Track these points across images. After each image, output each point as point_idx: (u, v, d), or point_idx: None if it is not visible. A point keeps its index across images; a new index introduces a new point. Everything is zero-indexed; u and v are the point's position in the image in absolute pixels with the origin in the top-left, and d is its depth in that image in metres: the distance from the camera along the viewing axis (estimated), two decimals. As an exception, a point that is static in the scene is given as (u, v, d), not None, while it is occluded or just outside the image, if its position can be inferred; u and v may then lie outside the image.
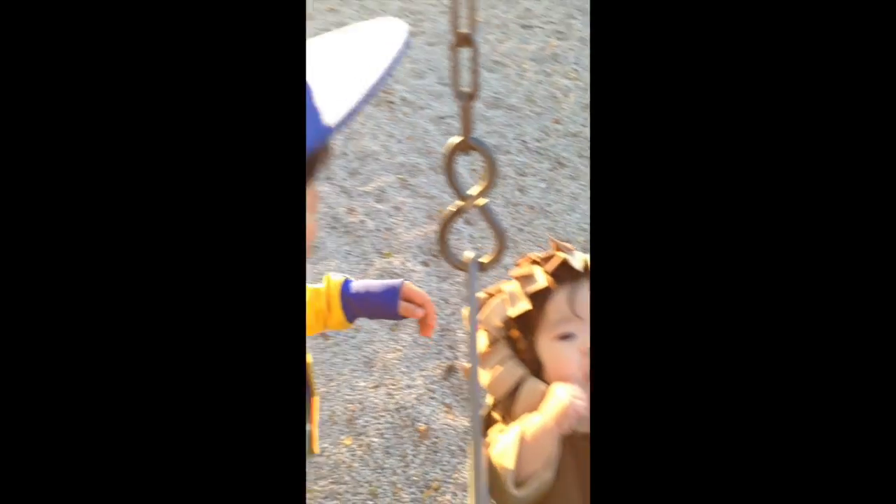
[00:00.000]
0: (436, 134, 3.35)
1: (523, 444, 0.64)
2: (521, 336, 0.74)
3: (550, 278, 0.74)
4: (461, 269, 0.66)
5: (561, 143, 3.27)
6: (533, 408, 0.68)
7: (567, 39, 4.33)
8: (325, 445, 1.81)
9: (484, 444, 0.65)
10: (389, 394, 1.98)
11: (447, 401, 1.96)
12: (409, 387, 2.00)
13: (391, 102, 3.68)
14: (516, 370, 0.72)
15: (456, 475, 1.75)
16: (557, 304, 0.72)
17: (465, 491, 1.72)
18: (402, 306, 0.85)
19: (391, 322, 2.23)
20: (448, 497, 1.70)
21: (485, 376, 0.74)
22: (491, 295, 0.79)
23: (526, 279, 0.76)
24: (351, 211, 2.81)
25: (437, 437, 1.84)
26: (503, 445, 0.67)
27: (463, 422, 1.88)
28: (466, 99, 0.62)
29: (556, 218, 2.76)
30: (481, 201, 0.62)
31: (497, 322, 0.74)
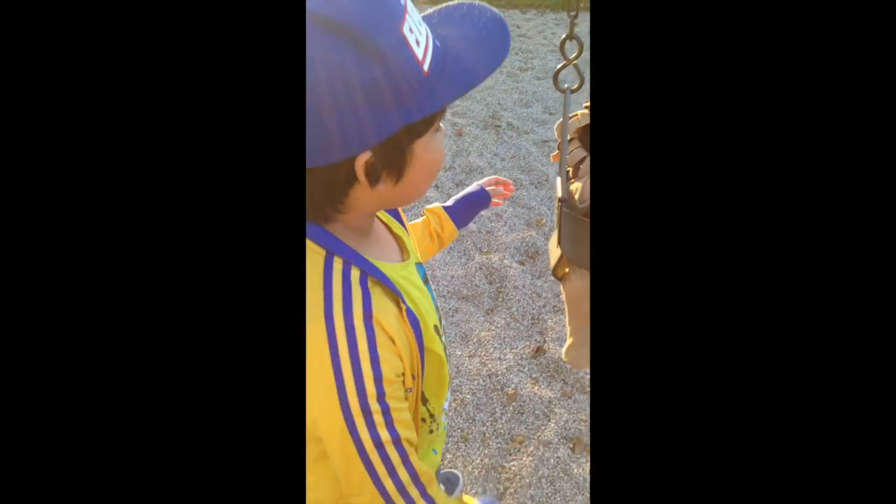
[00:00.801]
0: (537, 155, 3.60)
1: (584, 187, 1.19)
2: (586, 136, 1.28)
3: None
4: (562, 93, 1.16)
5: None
6: (586, 172, 1.23)
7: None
8: (423, 399, 2.03)
9: (565, 184, 1.23)
10: (483, 363, 2.18)
11: (534, 375, 2.14)
12: (500, 359, 2.20)
13: (498, 126, 3.99)
14: (581, 153, 1.27)
15: (539, 433, 1.91)
16: None
17: (547, 446, 1.88)
18: (491, 191, 1.17)
19: (487, 305, 2.45)
20: (531, 449, 1.86)
21: (565, 156, 1.30)
22: (575, 115, 1.31)
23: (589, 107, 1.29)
24: (457, 213, 3.08)
25: (523, 402, 2.01)
26: (577, 184, 1.23)
27: (548, 392, 2.05)
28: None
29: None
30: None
31: (574, 129, 1.29)
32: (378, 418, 0.62)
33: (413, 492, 0.66)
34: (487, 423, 1.95)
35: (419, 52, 0.56)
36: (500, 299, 2.52)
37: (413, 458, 0.66)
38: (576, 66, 1.14)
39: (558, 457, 1.84)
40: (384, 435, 0.62)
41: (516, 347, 2.26)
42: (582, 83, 1.11)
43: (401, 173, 0.63)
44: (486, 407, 2.01)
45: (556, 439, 1.90)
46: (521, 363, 2.19)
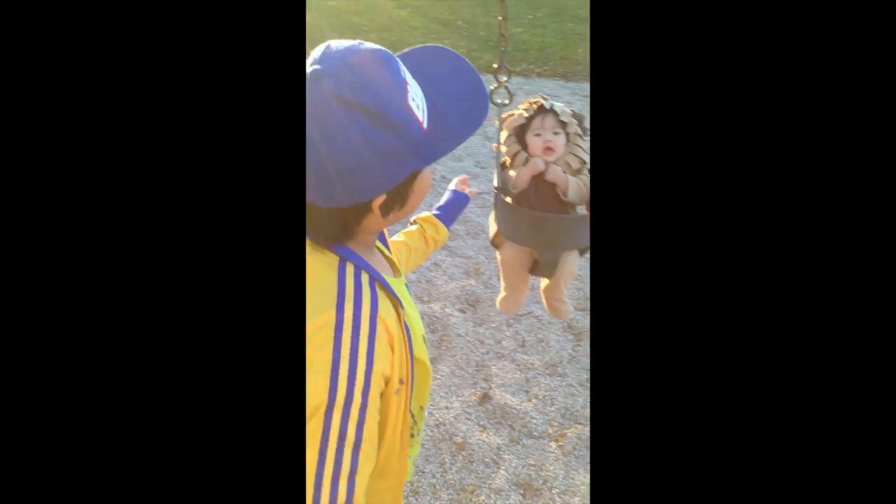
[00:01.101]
0: (472, 206, 3.68)
1: (518, 175, 1.38)
2: (521, 133, 1.46)
3: (535, 108, 1.47)
4: (495, 105, 1.31)
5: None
6: (519, 163, 1.42)
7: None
8: (369, 453, 1.96)
9: (501, 173, 1.42)
10: (430, 413, 2.15)
11: (482, 423, 2.11)
12: (447, 408, 2.17)
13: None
14: (516, 146, 1.45)
15: (489, 481, 1.88)
16: (536, 122, 1.45)
17: (499, 494, 1.84)
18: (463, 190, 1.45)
19: (431, 354, 2.44)
20: (482, 498, 1.82)
21: (503, 148, 1.48)
22: (511, 115, 1.49)
23: (527, 109, 1.48)
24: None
25: (472, 450, 1.98)
26: (511, 172, 1.42)
27: (496, 439, 2.03)
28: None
29: (587, 280, 3.00)
30: None
31: (512, 125, 1.47)
32: (354, 413, 0.66)
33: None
34: (437, 475, 1.90)
35: (420, 115, 0.71)
36: (444, 348, 2.51)
37: (360, 477, 0.67)
38: (506, 88, 1.35)
39: (510, 504, 1.82)
40: (351, 433, 0.66)
41: (462, 395, 2.24)
42: (512, 98, 1.37)
43: (405, 202, 0.78)
44: (434, 458, 1.96)
45: (507, 486, 1.87)
46: (468, 411, 2.17)
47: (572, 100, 5.50)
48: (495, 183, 1.41)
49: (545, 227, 1.34)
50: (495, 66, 1.35)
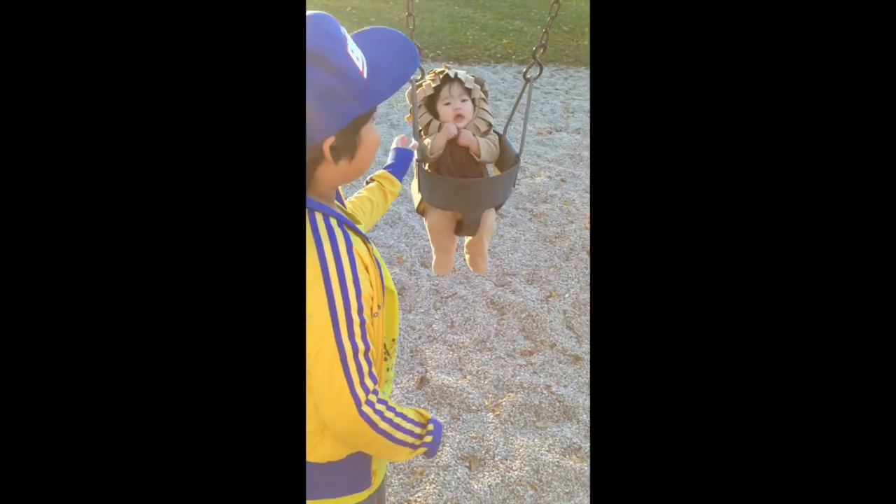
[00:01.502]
0: (387, 195, 3.72)
1: (434, 140, 1.49)
2: (431, 103, 1.58)
3: (440, 79, 1.57)
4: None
5: (498, 199, 3.71)
6: (433, 129, 1.55)
7: (496, 118, 4.90)
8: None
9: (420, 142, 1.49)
10: (370, 403, 2.20)
11: (423, 405, 2.20)
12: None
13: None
14: (428, 116, 1.57)
15: (436, 460, 1.97)
16: (444, 91, 1.56)
17: (447, 470, 1.94)
18: (408, 145, 1.58)
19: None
20: (432, 477, 1.91)
21: (417, 119, 1.56)
22: (419, 85, 1.58)
23: (434, 79, 1.57)
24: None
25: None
26: (426, 140, 1.53)
27: (438, 418, 2.12)
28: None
29: (501, 257, 3.13)
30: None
31: (421, 97, 1.57)
32: (356, 329, 0.83)
33: (373, 398, 0.87)
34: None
35: (359, 65, 0.83)
36: (376, 338, 2.56)
37: (375, 369, 0.89)
38: (420, 68, 1.43)
39: (458, 478, 1.92)
40: (360, 344, 0.83)
41: (400, 382, 2.31)
42: (423, 74, 1.50)
43: (354, 152, 0.89)
44: (382, 445, 2.02)
45: (454, 461, 1.97)
46: (408, 396, 2.24)
47: (470, 82, 5.63)
48: (416, 157, 1.52)
49: (467, 191, 1.45)
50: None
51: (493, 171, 1.60)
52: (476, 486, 1.89)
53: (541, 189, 3.80)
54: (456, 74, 1.58)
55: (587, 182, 3.86)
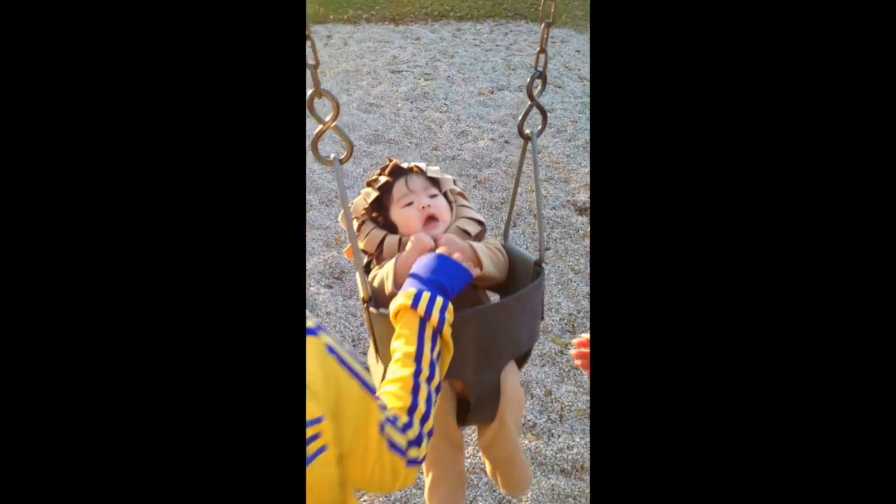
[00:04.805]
0: (321, 172, 3.51)
1: (397, 264, 1.01)
2: (378, 214, 1.13)
3: (388, 176, 1.13)
4: (328, 165, 0.94)
5: (442, 166, 3.53)
6: (393, 251, 1.06)
7: (435, 79, 4.70)
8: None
9: (367, 281, 1.02)
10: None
11: (366, 399, 2.06)
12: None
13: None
14: (380, 233, 1.10)
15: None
16: (399, 187, 1.10)
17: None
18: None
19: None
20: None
21: (362, 244, 1.11)
22: (363, 195, 1.17)
23: (375, 181, 1.15)
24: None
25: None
26: (383, 271, 1.03)
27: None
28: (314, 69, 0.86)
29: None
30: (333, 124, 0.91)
31: (361, 210, 1.13)
32: (433, 383, 0.83)
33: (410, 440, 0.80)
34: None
35: None
36: (315, 329, 2.40)
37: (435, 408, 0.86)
38: (335, 128, 0.90)
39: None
40: (433, 387, 0.82)
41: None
42: (349, 155, 0.92)
43: None
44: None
45: (402, 458, 1.85)
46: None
47: (405, 44, 5.37)
48: (362, 295, 0.96)
49: (468, 334, 0.86)
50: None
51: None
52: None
53: (484, 153, 3.64)
54: (412, 165, 1.12)
55: (532, 142, 3.71)
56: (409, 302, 0.82)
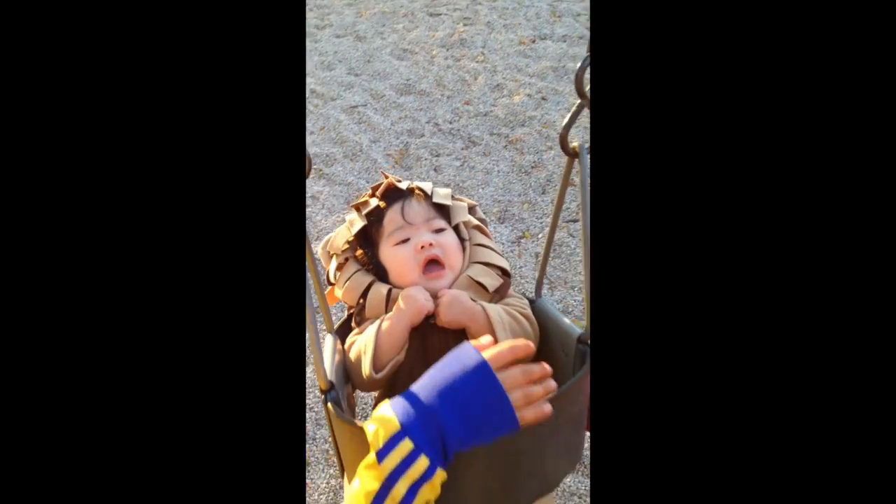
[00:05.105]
0: (348, 123, 3.38)
1: (379, 336, 0.72)
2: (364, 251, 0.83)
3: (381, 201, 0.83)
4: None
5: (472, 123, 3.37)
6: (379, 308, 0.77)
7: (474, 24, 4.44)
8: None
9: (342, 349, 0.74)
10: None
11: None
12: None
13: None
14: (365, 278, 0.81)
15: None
16: (392, 217, 0.81)
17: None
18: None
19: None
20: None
21: (340, 292, 0.83)
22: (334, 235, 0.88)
23: (363, 205, 0.85)
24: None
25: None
26: (362, 341, 0.75)
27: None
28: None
29: (471, 192, 2.85)
30: None
31: (341, 244, 0.83)
32: None
33: None
34: (329, 441, 1.81)
35: None
36: (328, 293, 2.34)
37: None
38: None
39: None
40: None
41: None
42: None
43: None
44: (325, 422, 1.86)
45: (404, 438, 1.82)
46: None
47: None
48: (323, 374, 0.66)
49: (474, 476, 0.58)
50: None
51: None
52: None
53: (518, 110, 3.44)
54: (412, 185, 0.82)
55: (571, 100, 3.49)
56: (377, 447, 0.55)
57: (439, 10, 4.66)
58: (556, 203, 0.80)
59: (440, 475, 0.55)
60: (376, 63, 3.94)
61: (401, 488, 0.54)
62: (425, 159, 3.07)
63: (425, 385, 0.58)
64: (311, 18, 4.65)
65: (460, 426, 0.55)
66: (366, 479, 0.55)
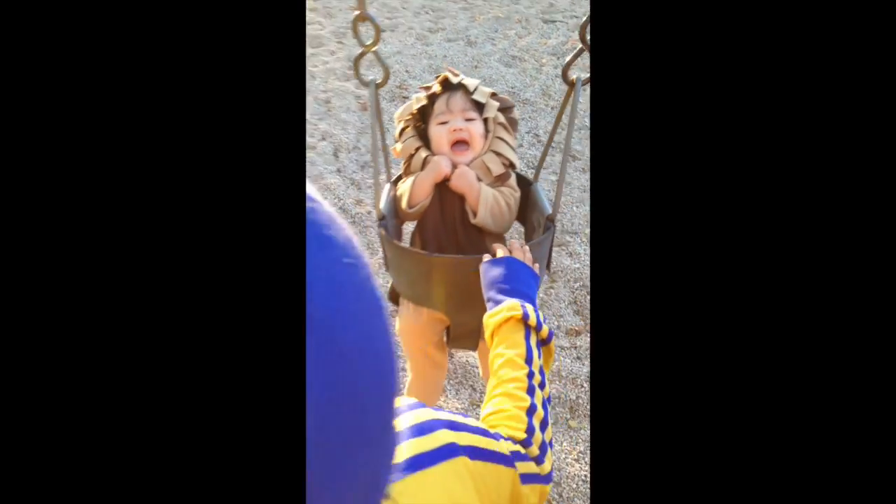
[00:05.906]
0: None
1: (414, 184, 1.05)
2: (420, 123, 1.15)
3: (439, 86, 1.14)
4: (366, 86, 1.04)
5: (574, 137, 3.24)
6: (418, 166, 1.09)
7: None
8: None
9: (396, 188, 1.13)
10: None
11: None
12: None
13: (406, 97, 3.71)
14: (415, 142, 1.12)
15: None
16: (440, 103, 1.11)
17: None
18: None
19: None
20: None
21: (398, 147, 1.15)
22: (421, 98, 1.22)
23: (427, 89, 1.17)
24: (359, 202, 2.84)
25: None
26: (404, 187, 1.09)
27: (456, 403, 1.88)
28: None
29: (565, 210, 2.73)
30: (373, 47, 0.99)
31: (408, 113, 1.16)
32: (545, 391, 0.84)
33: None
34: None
35: None
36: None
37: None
38: (375, 52, 1.01)
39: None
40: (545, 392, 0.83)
41: (421, 355, 2.08)
42: (387, 76, 1.02)
43: None
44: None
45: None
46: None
47: None
48: (380, 206, 1.01)
49: (451, 277, 0.90)
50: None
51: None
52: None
53: (626, 126, 3.27)
54: (462, 80, 1.10)
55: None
56: (519, 315, 0.80)
57: (555, 17, 4.54)
58: (555, 118, 1.12)
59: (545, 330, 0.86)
60: (483, 69, 3.89)
61: (545, 327, 0.83)
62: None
63: (509, 280, 0.87)
64: (424, 22, 4.69)
65: (533, 293, 0.89)
66: (511, 331, 0.82)
